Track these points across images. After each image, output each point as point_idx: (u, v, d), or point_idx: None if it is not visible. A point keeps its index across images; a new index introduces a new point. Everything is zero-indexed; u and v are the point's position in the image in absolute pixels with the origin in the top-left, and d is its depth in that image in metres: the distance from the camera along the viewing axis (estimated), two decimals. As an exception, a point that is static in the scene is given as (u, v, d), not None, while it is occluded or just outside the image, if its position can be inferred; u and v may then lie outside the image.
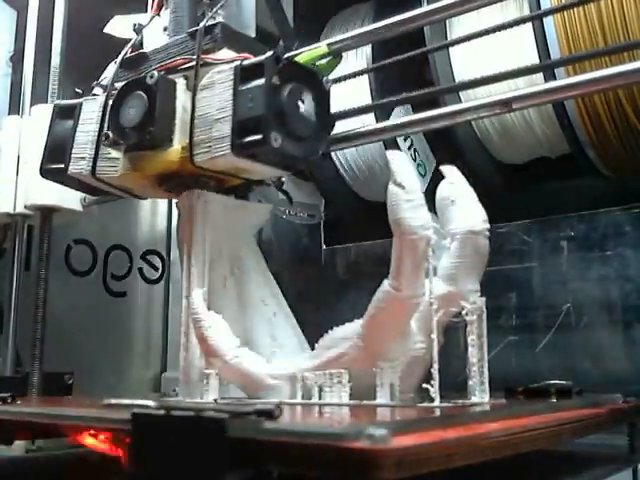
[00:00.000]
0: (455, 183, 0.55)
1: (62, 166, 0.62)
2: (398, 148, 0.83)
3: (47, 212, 0.78)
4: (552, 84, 0.54)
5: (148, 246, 1.03)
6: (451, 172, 0.55)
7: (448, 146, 0.83)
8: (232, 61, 0.56)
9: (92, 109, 0.62)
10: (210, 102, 0.55)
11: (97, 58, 0.67)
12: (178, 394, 0.59)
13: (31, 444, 0.72)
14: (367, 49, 0.84)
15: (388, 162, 0.49)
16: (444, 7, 0.56)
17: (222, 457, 0.31)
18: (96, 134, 0.60)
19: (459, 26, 0.79)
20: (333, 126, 0.59)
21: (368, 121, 0.69)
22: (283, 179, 0.77)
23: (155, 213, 1.05)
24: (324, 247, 1.06)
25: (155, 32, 0.66)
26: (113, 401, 0.45)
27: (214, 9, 0.61)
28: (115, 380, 0.97)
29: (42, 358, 0.76)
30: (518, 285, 0.84)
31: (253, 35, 0.66)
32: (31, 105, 0.80)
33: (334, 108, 0.59)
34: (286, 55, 0.57)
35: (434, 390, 0.47)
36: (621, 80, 0.51)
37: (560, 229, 0.83)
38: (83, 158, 0.61)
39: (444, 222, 0.54)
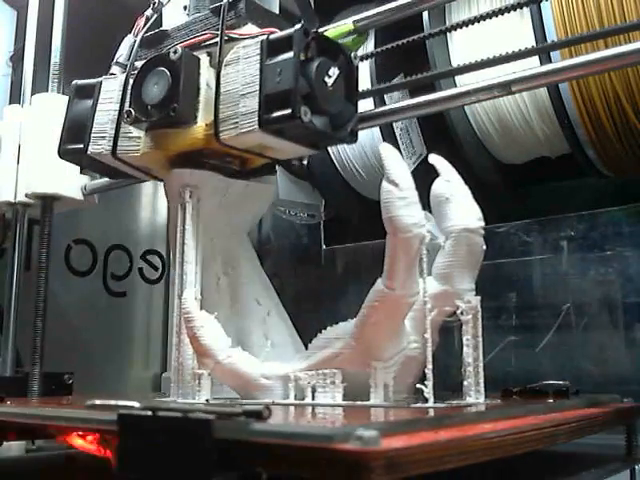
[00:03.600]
0: (450, 180, 0.53)
1: (81, 146, 0.60)
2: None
3: (48, 201, 0.77)
4: (551, 66, 0.52)
5: (148, 246, 1.01)
6: (446, 169, 0.53)
7: (448, 146, 0.82)
8: (257, 36, 0.54)
9: (112, 87, 0.59)
10: (235, 77, 0.53)
11: (97, 57, 0.66)
12: (170, 395, 0.56)
13: (31, 444, 0.71)
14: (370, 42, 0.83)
15: (381, 158, 0.47)
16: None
17: (208, 459, 0.30)
18: (116, 113, 0.58)
19: (458, 14, 0.78)
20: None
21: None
22: (304, 162, 0.75)
23: (155, 212, 1.04)
24: (324, 247, 1.05)
25: (174, 11, 0.63)
26: (97, 402, 0.43)
27: None
28: (115, 380, 0.96)
29: (42, 358, 0.75)
30: (518, 285, 0.83)
31: (276, 11, 0.63)
32: (31, 103, 0.80)
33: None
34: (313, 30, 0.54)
35: (428, 390, 0.46)
36: (620, 61, 0.49)
37: (560, 229, 0.82)
38: (103, 137, 0.59)
39: (439, 220, 0.52)
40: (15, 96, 0.87)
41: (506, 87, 0.52)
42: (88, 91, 0.61)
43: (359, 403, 0.48)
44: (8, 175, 0.77)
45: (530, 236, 0.82)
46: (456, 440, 0.33)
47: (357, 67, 0.55)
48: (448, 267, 0.51)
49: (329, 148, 0.89)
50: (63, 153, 0.62)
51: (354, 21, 0.60)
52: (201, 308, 0.54)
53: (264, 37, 0.53)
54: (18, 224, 0.81)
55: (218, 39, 0.55)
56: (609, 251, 0.77)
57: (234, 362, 0.51)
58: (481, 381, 0.49)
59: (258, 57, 0.52)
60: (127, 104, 0.56)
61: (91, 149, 0.59)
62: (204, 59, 0.56)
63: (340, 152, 0.90)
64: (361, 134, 0.82)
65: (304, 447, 0.28)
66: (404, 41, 0.60)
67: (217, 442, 0.30)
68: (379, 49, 0.65)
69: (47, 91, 0.78)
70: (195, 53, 0.56)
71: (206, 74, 0.55)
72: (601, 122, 0.70)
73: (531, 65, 0.55)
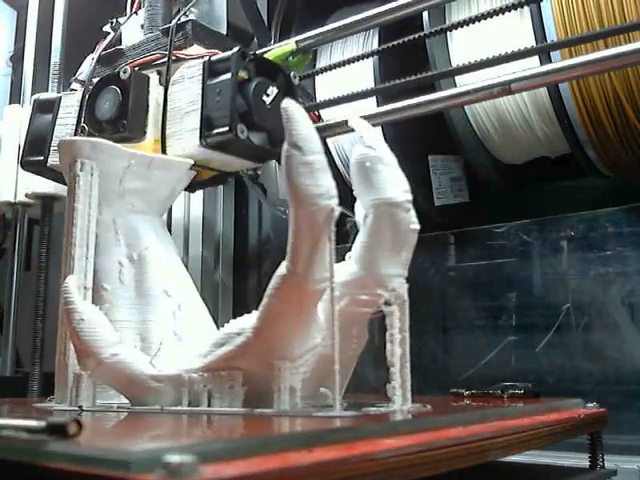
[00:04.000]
0: (373, 146, 0.43)
1: (41, 158, 0.63)
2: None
3: (48, 201, 0.77)
4: (551, 66, 0.52)
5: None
6: (368, 133, 0.44)
7: (448, 146, 0.82)
8: (202, 57, 0.57)
9: (70, 103, 0.63)
10: (181, 96, 0.57)
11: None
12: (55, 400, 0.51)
13: None
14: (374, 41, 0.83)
15: (283, 117, 0.39)
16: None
17: None
18: (74, 127, 0.61)
19: (458, 14, 0.78)
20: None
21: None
22: (258, 172, 0.77)
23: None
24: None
25: (134, 29, 0.67)
26: None
27: (186, 7, 0.62)
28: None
29: (42, 358, 0.75)
30: (518, 285, 0.82)
31: (224, 32, 0.67)
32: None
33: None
34: (257, 52, 0.59)
35: (333, 396, 0.39)
36: (620, 61, 0.49)
37: (560, 229, 0.82)
38: None
39: (359, 192, 0.43)
40: (15, 96, 0.87)
41: (506, 87, 0.52)
42: (49, 106, 0.64)
43: (257, 411, 0.41)
44: (8, 175, 0.77)
45: (530, 236, 0.82)
46: (331, 462, 0.26)
47: (297, 85, 0.59)
48: (368, 248, 0.42)
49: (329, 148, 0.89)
50: (25, 164, 0.65)
51: (297, 41, 0.63)
52: (98, 299, 0.50)
53: (207, 58, 0.56)
54: (18, 224, 0.81)
55: (166, 59, 0.58)
56: (609, 251, 0.77)
57: (120, 361, 0.44)
58: (408, 383, 0.43)
59: (201, 77, 0.55)
60: (82, 119, 0.60)
61: (50, 161, 0.63)
62: (154, 77, 0.59)
63: (341, 152, 0.90)
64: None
65: (96, 476, 0.22)
66: (404, 40, 0.60)
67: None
68: (379, 48, 0.65)
69: (47, 91, 0.78)
70: (146, 72, 0.59)
71: (155, 92, 0.58)
72: (601, 122, 0.70)
73: (531, 65, 0.55)
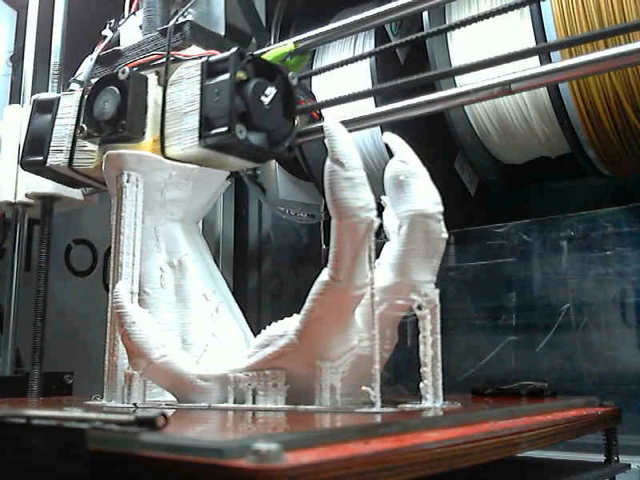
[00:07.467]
0: (406, 161, 0.47)
1: (41, 158, 0.63)
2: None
3: (48, 201, 0.77)
4: (551, 66, 0.52)
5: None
6: (401, 148, 0.47)
7: (448, 146, 0.82)
8: (200, 57, 0.57)
9: (69, 103, 0.63)
10: (179, 96, 0.57)
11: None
12: (104, 398, 0.54)
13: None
14: (371, 42, 0.83)
15: (325, 135, 0.42)
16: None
17: (81, 473, 0.26)
18: (73, 127, 0.62)
19: (458, 14, 0.78)
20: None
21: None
22: (258, 172, 0.77)
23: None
24: (324, 247, 1.05)
25: (132, 30, 0.67)
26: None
27: (183, 8, 0.62)
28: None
29: (42, 358, 0.75)
30: (517, 285, 0.82)
31: (222, 32, 0.68)
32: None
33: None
34: (255, 52, 0.59)
35: (374, 394, 0.42)
36: (620, 61, 0.49)
37: (560, 229, 0.82)
38: (61, 150, 0.62)
39: (393, 204, 0.47)
40: (15, 96, 0.87)
41: (506, 87, 0.52)
42: (48, 106, 0.64)
43: (301, 407, 0.44)
44: (8, 175, 0.77)
45: (530, 236, 0.82)
46: (387, 452, 0.29)
47: (295, 86, 0.58)
48: (402, 256, 0.45)
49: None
50: (24, 164, 0.65)
51: (295, 41, 0.63)
52: (141, 303, 0.52)
53: (205, 59, 0.56)
54: (18, 224, 0.81)
55: (164, 60, 0.58)
56: (609, 251, 0.77)
57: (168, 362, 0.47)
58: (439, 382, 0.46)
59: (199, 78, 0.55)
60: (81, 120, 0.60)
61: (50, 161, 0.63)
62: (152, 78, 0.59)
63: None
64: (362, 135, 0.82)
65: (192, 463, 0.25)
66: (404, 40, 0.60)
67: (92, 454, 0.27)
68: (378, 48, 0.65)
69: (47, 91, 0.78)
70: (144, 72, 0.59)
71: (154, 92, 0.58)
72: (601, 122, 0.70)
73: (531, 65, 0.55)
